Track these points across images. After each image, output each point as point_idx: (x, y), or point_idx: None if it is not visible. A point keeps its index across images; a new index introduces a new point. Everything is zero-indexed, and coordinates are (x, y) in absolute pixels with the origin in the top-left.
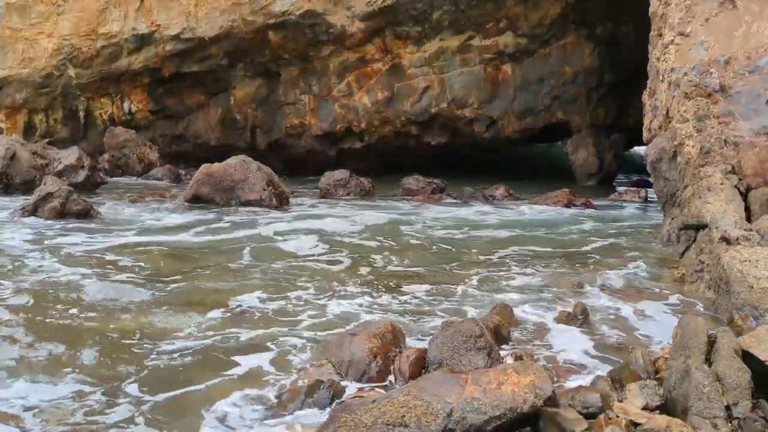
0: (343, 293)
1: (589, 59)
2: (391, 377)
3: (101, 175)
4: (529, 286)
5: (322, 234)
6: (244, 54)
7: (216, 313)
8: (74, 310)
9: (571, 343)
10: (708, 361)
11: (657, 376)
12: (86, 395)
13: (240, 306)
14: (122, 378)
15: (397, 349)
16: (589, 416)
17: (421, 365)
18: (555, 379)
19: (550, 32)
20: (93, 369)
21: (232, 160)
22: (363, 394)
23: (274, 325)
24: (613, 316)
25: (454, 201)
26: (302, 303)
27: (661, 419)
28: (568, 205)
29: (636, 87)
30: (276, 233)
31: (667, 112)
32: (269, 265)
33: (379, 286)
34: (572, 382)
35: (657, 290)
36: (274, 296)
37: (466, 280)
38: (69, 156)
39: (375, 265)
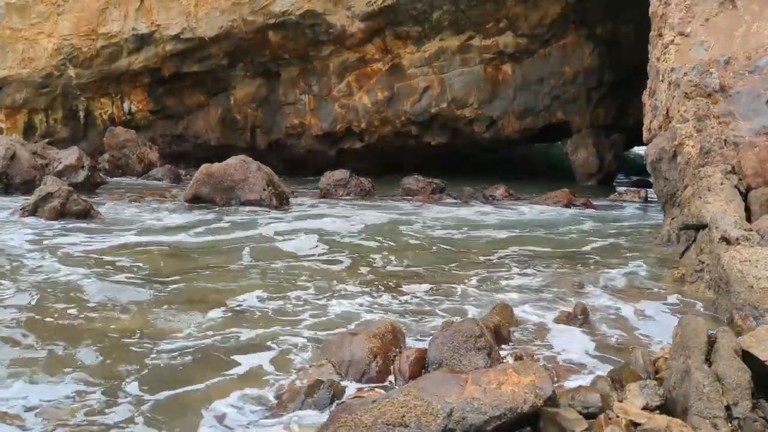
0: (343, 293)
1: (589, 59)
2: (391, 377)
3: (101, 175)
4: (529, 286)
5: (322, 234)
6: (244, 54)
7: (216, 313)
8: (74, 310)
9: (571, 343)
10: (708, 361)
11: (657, 376)
12: (86, 395)
13: (240, 306)
14: (122, 377)
15: (397, 349)
16: (589, 416)
17: (421, 365)
18: (555, 379)
19: (550, 32)
20: (93, 369)
21: (232, 160)
22: (363, 394)
23: (274, 324)
24: (613, 316)
25: (454, 201)
26: (302, 303)
27: (661, 419)
28: (568, 205)
29: (636, 87)
30: (276, 233)
31: (667, 112)
32: (269, 265)
33: (379, 286)
34: (572, 382)
35: (657, 290)
36: (274, 296)
37: (466, 280)
38: (69, 156)
39: (375, 265)
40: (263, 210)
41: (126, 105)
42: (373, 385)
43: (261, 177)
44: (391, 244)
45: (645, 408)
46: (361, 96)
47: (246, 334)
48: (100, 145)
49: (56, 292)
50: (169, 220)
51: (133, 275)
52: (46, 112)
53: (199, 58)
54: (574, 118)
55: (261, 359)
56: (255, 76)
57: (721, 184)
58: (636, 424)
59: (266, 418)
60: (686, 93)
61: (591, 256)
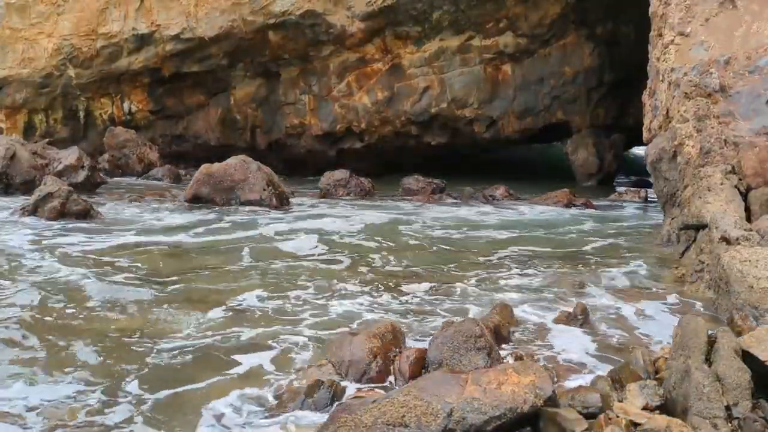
0: (343, 293)
1: (589, 59)
2: (391, 377)
3: (101, 175)
4: (529, 286)
5: (322, 234)
6: (244, 54)
7: (216, 313)
8: (74, 310)
9: (571, 343)
10: (708, 361)
11: (657, 376)
12: (86, 394)
13: (240, 305)
14: (123, 377)
15: (397, 349)
16: (589, 416)
17: (421, 365)
18: (555, 379)
19: (550, 32)
20: (93, 368)
21: (232, 160)
22: (363, 394)
23: (274, 324)
24: (613, 316)
25: (454, 201)
26: (302, 302)
27: (661, 419)
28: (568, 205)
29: (636, 87)
30: (276, 233)
31: (667, 112)
32: (269, 265)
33: (379, 286)
34: (572, 382)
35: (657, 290)
36: (274, 296)
37: (466, 280)
38: (69, 156)
39: (375, 264)
40: (263, 210)
41: (126, 105)
42: (373, 385)
43: (261, 177)
44: (391, 244)
45: (645, 408)
46: (361, 96)
47: (246, 334)
48: (100, 145)
49: (56, 292)
50: (169, 220)
51: (132, 275)
52: (46, 112)
53: (199, 58)
54: (574, 118)
55: (261, 359)
56: (255, 76)
57: (721, 184)
58: (636, 424)
59: (266, 417)
60: (686, 93)
61: (591, 256)
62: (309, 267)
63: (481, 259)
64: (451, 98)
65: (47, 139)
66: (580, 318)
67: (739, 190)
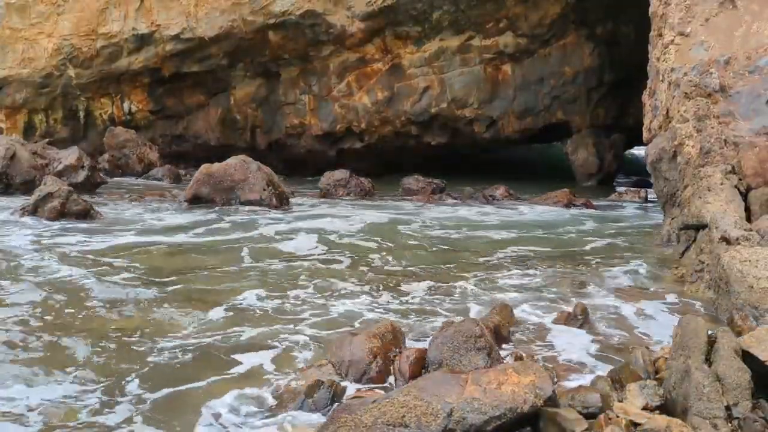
0: (343, 293)
1: (589, 59)
2: (391, 377)
3: (101, 175)
4: (529, 286)
5: (322, 234)
6: (244, 54)
7: (216, 313)
8: (74, 310)
9: (571, 343)
10: (708, 361)
11: (657, 376)
12: (87, 394)
13: (240, 305)
14: (123, 376)
15: (397, 350)
16: (589, 416)
17: (421, 365)
18: (555, 379)
19: (550, 32)
20: (93, 368)
21: (232, 160)
22: (363, 394)
23: (274, 324)
24: (613, 316)
25: (455, 201)
26: (302, 302)
27: (661, 419)
28: (568, 205)
29: (636, 87)
30: (276, 233)
31: (667, 112)
32: (269, 264)
33: (379, 286)
34: (572, 382)
35: (657, 290)
36: (274, 295)
37: (466, 280)
38: (69, 156)
39: (375, 264)
40: (263, 210)
41: (126, 105)
42: (373, 385)
43: (261, 177)
44: (391, 244)
45: (645, 408)
46: (361, 96)
47: (246, 334)
48: (100, 145)
49: (56, 292)
50: (169, 220)
51: (132, 275)
52: (46, 112)
53: (199, 58)
54: (574, 118)
55: (261, 358)
56: (255, 76)
57: (721, 184)
58: (636, 424)
59: (266, 417)
60: (686, 93)
61: (591, 256)
62: (309, 267)
63: (481, 259)
64: (451, 98)
65: (47, 139)
66: (580, 318)
67: (739, 190)
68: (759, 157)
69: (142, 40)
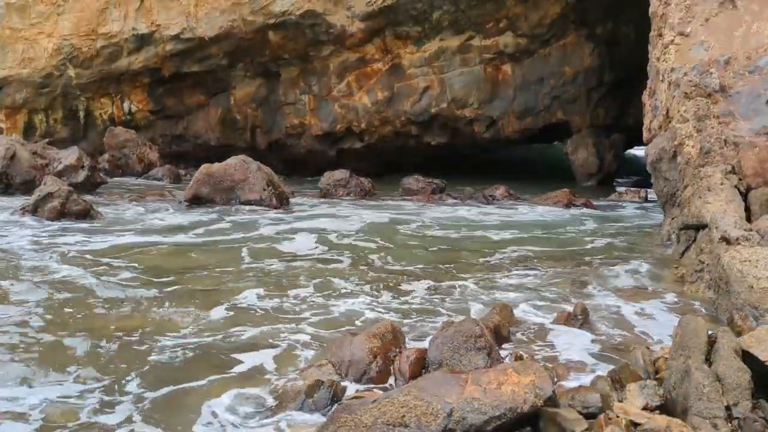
0: (343, 293)
1: (589, 59)
2: (391, 377)
3: (101, 175)
4: (529, 286)
5: (322, 234)
6: (244, 54)
7: (216, 312)
8: (74, 310)
9: (571, 343)
10: (708, 361)
11: (657, 376)
12: (87, 393)
13: (241, 305)
14: (124, 376)
15: (397, 350)
16: (589, 416)
17: (421, 365)
18: (555, 379)
19: (550, 32)
20: (94, 367)
21: (232, 160)
22: (363, 394)
23: (274, 323)
24: (613, 316)
25: (455, 201)
26: (302, 302)
27: (661, 419)
28: (568, 205)
29: (636, 87)
30: (276, 233)
31: (667, 112)
32: (269, 264)
33: (379, 286)
34: (572, 382)
35: (657, 290)
36: (275, 295)
37: (466, 280)
38: (69, 156)
39: (375, 264)
40: (263, 210)
41: (126, 105)
42: (373, 385)
43: (261, 177)
44: (391, 244)
45: (645, 408)
46: (361, 96)
47: (246, 333)
48: (100, 145)
49: (56, 292)
50: (170, 220)
51: (132, 275)
52: (46, 112)
53: (199, 58)
54: (574, 118)
55: (261, 358)
56: (255, 76)
57: (721, 184)
58: (636, 424)
59: (265, 417)
60: (686, 93)
61: (591, 256)
62: (309, 267)
63: (481, 259)
64: (451, 98)
65: (47, 139)
66: (580, 318)
67: (739, 190)
68: (759, 157)
69: (142, 40)
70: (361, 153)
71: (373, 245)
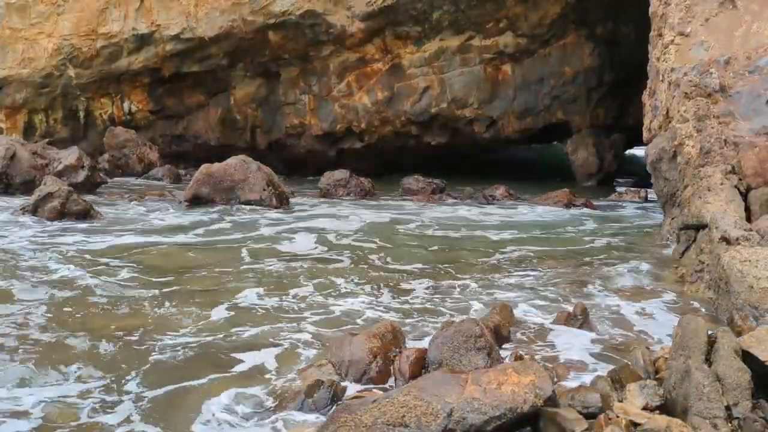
0: (343, 292)
1: (589, 59)
2: (391, 377)
3: (101, 175)
4: (529, 286)
5: (322, 234)
6: (244, 54)
7: (217, 312)
8: (75, 309)
9: (571, 343)
10: (708, 361)
11: (657, 376)
12: (87, 392)
13: (241, 304)
14: (124, 375)
15: (397, 349)
16: (589, 416)
17: (421, 365)
18: (555, 379)
19: (550, 32)
20: (95, 366)
21: (232, 160)
22: (363, 394)
23: (274, 323)
24: (613, 316)
25: (455, 201)
26: (302, 302)
27: (661, 419)
28: (568, 205)
29: (636, 87)
30: (276, 233)
31: (667, 112)
32: (270, 264)
33: (379, 286)
34: (572, 382)
35: (657, 290)
36: (275, 295)
37: (466, 280)
38: (69, 156)
39: (375, 264)
40: (263, 210)
41: (126, 105)
42: (373, 385)
43: (261, 177)
44: (391, 244)
45: (645, 408)
46: (361, 96)
47: (246, 333)
48: (100, 145)
49: (56, 292)
50: (170, 220)
51: (133, 275)
52: (46, 112)
53: (199, 58)
54: (574, 118)
55: (261, 357)
56: (255, 76)
57: (721, 184)
58: (636, 424)
59: (265, 417)
60: (686, 93)
61: (591, 256)
62: (309, 266)
63: (481, 259)
64: (451, 98)
65: (47, 139)
66: (580, 318)
67: (739, 190)
68: (759, 157)
69: (142, 40)
70: (361, 153)
71: (373, 245)
